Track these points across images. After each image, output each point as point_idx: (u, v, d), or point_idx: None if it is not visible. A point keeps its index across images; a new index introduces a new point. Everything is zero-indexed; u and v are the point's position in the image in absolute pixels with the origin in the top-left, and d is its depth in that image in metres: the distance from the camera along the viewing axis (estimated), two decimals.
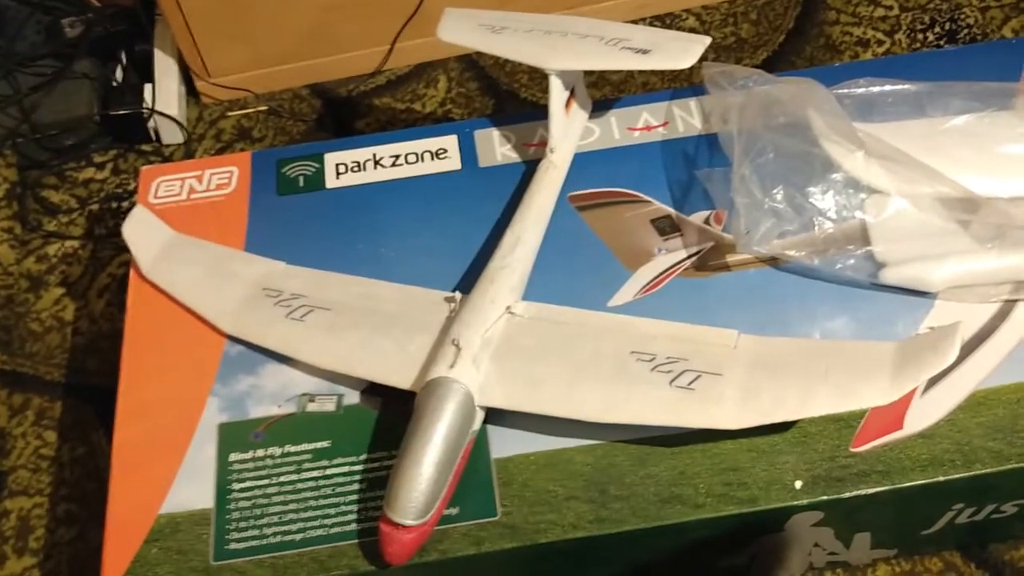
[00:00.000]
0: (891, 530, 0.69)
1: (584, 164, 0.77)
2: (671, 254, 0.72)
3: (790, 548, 0.67)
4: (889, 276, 0.68)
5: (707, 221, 0.73)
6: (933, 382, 0.63)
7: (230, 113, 1.10)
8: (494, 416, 0.65)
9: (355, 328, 0.68)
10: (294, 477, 0.64)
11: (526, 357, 0.65)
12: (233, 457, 0.66)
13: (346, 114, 1.09)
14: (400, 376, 0.65)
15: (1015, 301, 0.67)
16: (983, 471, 0.61)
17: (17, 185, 1.06)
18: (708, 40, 0.73)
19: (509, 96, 1.09)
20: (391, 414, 0.66)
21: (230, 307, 0.71)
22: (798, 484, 0.62)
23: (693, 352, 0.63)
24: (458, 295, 0.68)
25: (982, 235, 0.68)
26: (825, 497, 0.61)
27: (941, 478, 0.61)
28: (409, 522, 0.58)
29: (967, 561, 0.74)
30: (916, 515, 0.67)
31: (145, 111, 1.05)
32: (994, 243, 0.67)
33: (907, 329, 0.67)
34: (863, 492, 0.61)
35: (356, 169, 0.80)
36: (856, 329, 0.67)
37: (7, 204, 1.05)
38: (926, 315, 0.67)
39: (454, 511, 0.62)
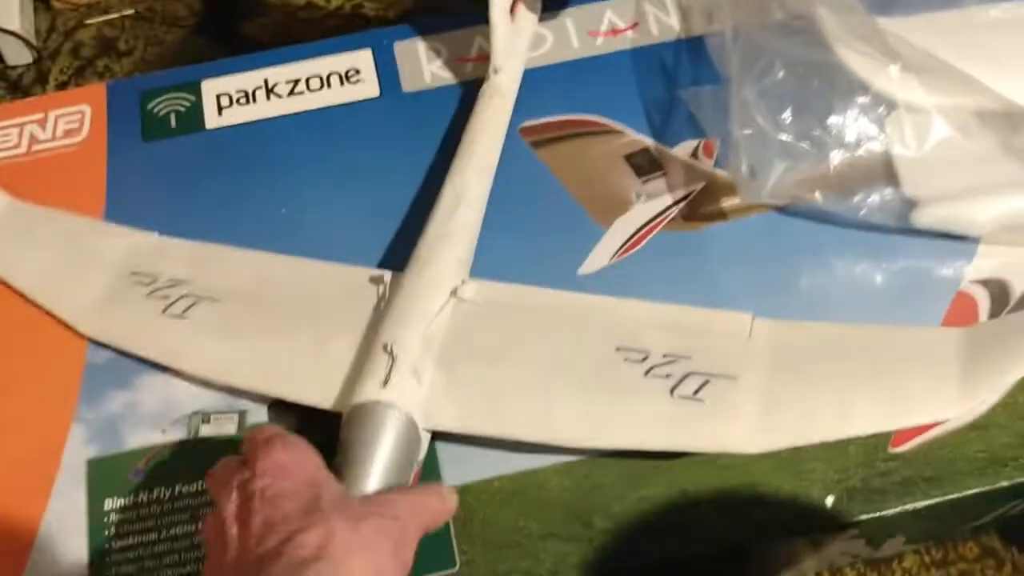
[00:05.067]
0: (929, 532, 0.58)
1: (537, 84, 0.63)
2: (652, 201, 0.58)
3: (806, 559, 0.56)
4: (922, 217, 0.55)
5: (694, 154, 0.59)
6: None
7: (89, 21, 0.95)
8: (445, 433, 0.51)
9: (254, 326, 0.53)
10: (190, 528, 0.50)
11: (481, 359, 0.50)
12: (109, 505, 0.51)
13: (231, 15, 0.93)
14: (319, 392, 0.51)
15: None
16: None
17: None
18: None
19: None
20: (310, 435, 0.51)
21: (90, 301, 0.56)
22: (829, 501, 0.49)
23: (697, 346, 0.49)
24: (387, 275, 0.54)
25: None
26: (864, 516, 0.49)
27: (1004, 483, 0.50)
28: None
29: (1007, 545, 0.64)
30: (964, 516, 0.56)
31: None
32: None
33: (946, 283, 0.54)
34: (909, 508, 0.49)
35: (244, 101, 0.64)
36: (885, 285, 0.55)
37: None
38: (968, 264, 0.55)
39: None
